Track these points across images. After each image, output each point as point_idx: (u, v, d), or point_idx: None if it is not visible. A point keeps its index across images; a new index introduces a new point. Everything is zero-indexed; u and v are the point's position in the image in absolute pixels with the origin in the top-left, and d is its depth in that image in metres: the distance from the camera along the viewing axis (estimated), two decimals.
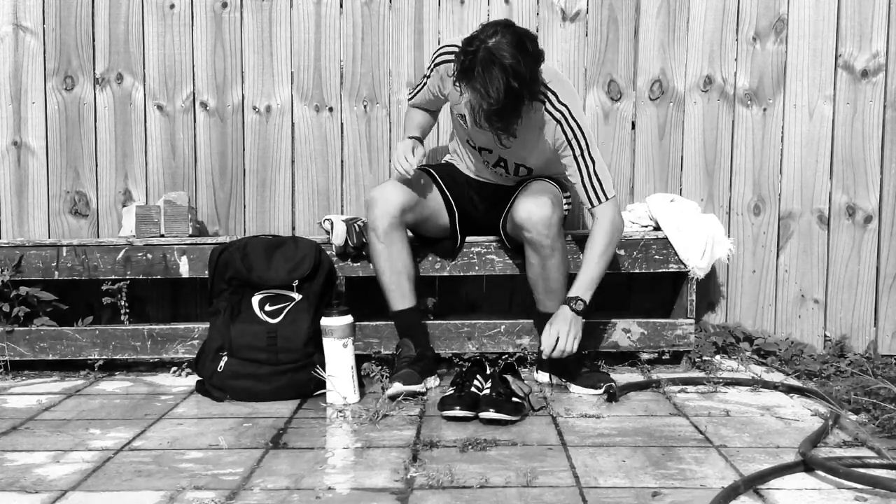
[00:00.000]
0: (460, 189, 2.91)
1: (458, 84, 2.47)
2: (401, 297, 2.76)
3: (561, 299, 2.71)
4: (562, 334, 2.60)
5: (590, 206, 2.67)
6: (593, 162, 2.64)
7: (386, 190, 2.72)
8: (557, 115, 2.61)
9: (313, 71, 3.33)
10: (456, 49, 2.50)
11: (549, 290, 2.74)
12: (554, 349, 2.60)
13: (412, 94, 2.90)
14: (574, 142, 2.62)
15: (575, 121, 2.61)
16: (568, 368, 2.73)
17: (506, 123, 2.44)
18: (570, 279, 2.73)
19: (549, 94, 2.60)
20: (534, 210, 2.63)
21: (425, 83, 2.80)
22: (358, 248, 2.91)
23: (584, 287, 2.64)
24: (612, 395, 2.60)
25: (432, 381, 2.78)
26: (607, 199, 2.66)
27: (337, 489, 1.88)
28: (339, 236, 2.91)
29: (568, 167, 2.67)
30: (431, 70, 2.76)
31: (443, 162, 3.05)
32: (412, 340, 2.78)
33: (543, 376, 2.81)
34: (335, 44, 3.32)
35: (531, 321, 2.98)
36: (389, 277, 2.74)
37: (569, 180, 2.71)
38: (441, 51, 2.72)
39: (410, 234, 2.85)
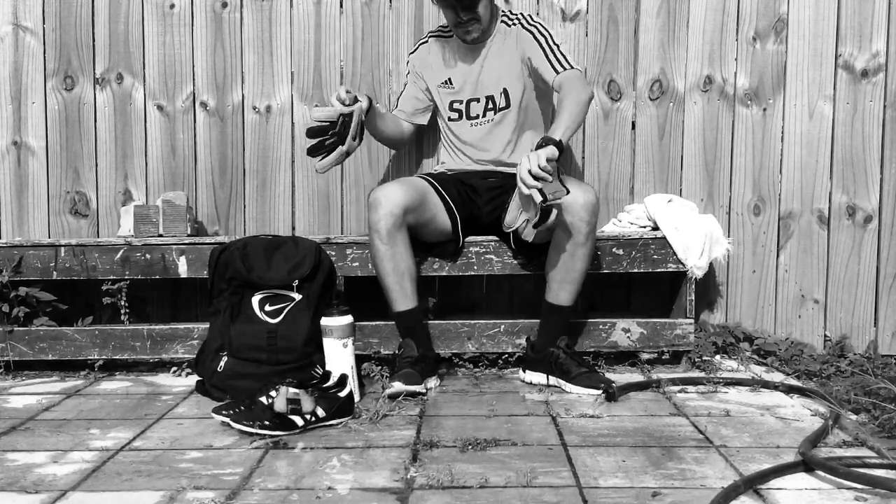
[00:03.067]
0: (459, 192, 2.92)
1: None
2: (403, 297, 2.76)
3: (575, 294, 2.75)
4: (536, 155, 2.50)
5: (556, 74, 2.75)
6: (557, 45, 2.81)
7: (389, 190, 2.71)
8: (515, 20, 2.90)
9: (313, 71, 3.33)
10: (426, 35, 3.07)
11: (567, 280, 2.74)
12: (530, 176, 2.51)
13: (396, 102, 3.14)
14: (535, 31, 2.84)
15: (534, 21, 2.88)
16: (564, 369, 2.73)
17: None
18: (588, 277, 2.75)
19: (512, 13, 2.94)
20: (579, 194, 2.64)
21: (407, 83, 3.12)
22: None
23: (562, 129, 2.58)
24: (612, 395, 2.60)
25: (433, 382, 2.78)
26: (572, 67, 2.77)
27: (337, 489, 1.88)
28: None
29: (533, 55, 2.82)
30: (408, 65, 3.12)
31: (435, 172, 3.06)
32: (414, 341, 2.78)
33: (540, 377, 2.80)
34: (335, 44, 3.33)
35: (531, 321, 2.97)
36: (392, 278, 2.74)
37: (534, 69, 2.84)
38: (416, 43, 3.12)
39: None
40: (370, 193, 2.76)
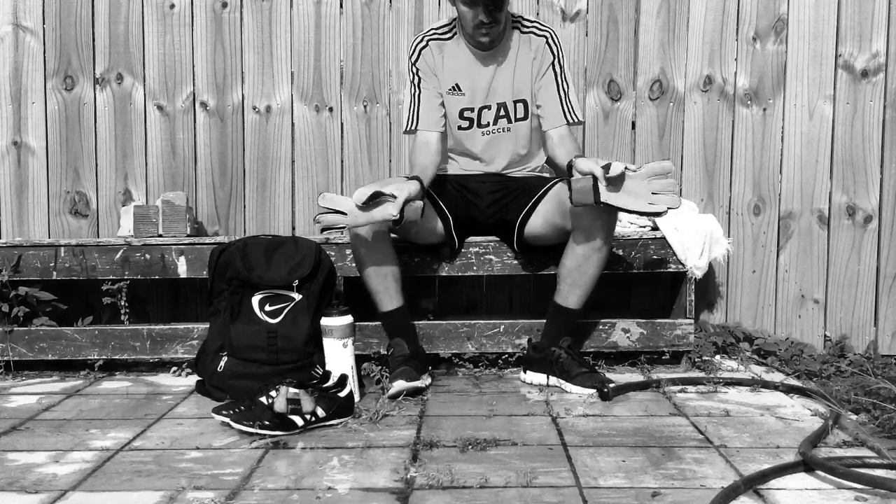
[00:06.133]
0: (457, 193, 2.90)
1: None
2: (388, 298, 2.76)
3: (584, 298, 2.75)
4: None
5: (564, 123, 2.84)
6: (568, 85, 2.87)
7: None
8: (545, 34, 2.86)
9: (313, 71, 3.33)
10: (421, 38, 2.86)
11: (578, 285, 2.73)
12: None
13: (413, 121, 2.84)
14: (556, 62, 2.85)
15: (558, 42, 2.87)
16: (565, 368, 2.73)
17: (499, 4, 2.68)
18: (599, 280, 2.75)
19: (535, 22, 2.89)
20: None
21: (420, 92, 2.84)
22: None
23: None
24: (605, 395, 2.60)
25: (427, 379, 2.77)
26: (578, 120, 2.87)
27: (337, 489, 1.88)
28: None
29: (545, 86, 2.85)
30: (416, 72, 2.85)
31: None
32: (404, 339, 2.77)
33: (540, 377, 2.80)
34: (335, 44, 3.33)
35: (531, 321, 2.98)
36: (375, 281, 2.74)
37: (540, 101, 2.85)
38: (413, 48, 2.87)
39: (395, 236, 2.81)
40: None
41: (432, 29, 2.89)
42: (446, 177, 2.94)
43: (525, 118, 2.88)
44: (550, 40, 2.85)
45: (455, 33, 2.85)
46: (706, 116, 3.31)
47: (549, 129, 2.86)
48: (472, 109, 2.86)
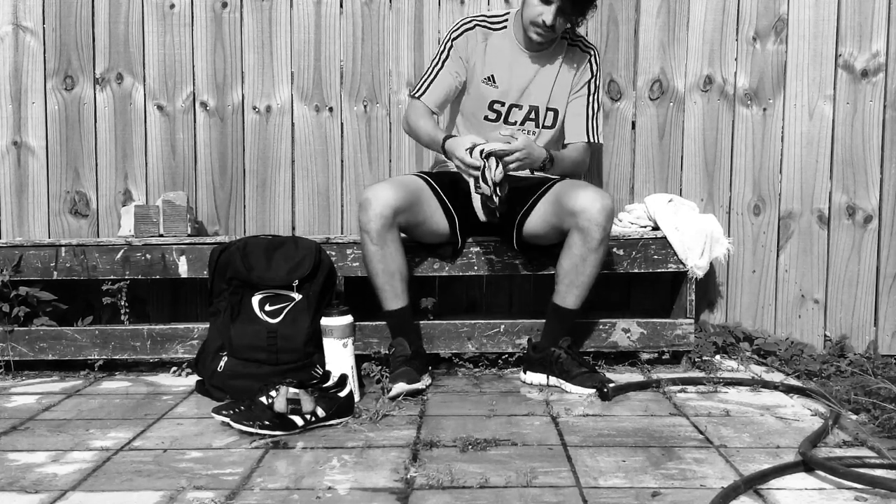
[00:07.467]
0: (461, 193, 2.90)
1: None
2: (393, 297, 2.76)
3: (582, 298, 2.75)
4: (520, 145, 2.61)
5: (584, 140, 2.93)
6: (599, 106, 2.96)
7: (379, 191, 2.68)
8: (590, 50, 2.94)
9: (313, 71, 3.33)
10: (470, 20, 2.87)
11: (576, 285, 2.73)
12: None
13: (422, 89, 2.87)
14: (593, 80, 2.94)
15: (599, 62, 2.96)
16: (565, 369, 2.73)
17: (581, 8, 2.74)
18: (597, 280, 2.75)
19: (581, 36, 2.96)
20: (596, 199, 2.63)
21: (441, 68, 2.86)
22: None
23: (560, 156, 2.83)
24: (605, 395, 2.60)
25: (427, 380, 2.77)
26: (598, 142, 2.98)
27: (337, 489, 1.88)
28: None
29: (577, 101, 2.92)
30: (447, 50, 2.86)
31: (434, 170, 3.05)
32: (406, 339, 2.77)
33: (540, 377, 2.80)
34: (335, 44, 3.33)
35: (531, 321, 2.98)
36: (382, 278, 2.73)
37: (568, 113, 2.93)
38: (459, 25, 2.88)
39: (404, 235, 2.82)
40: (361, 193, 2.74)
41: (484, 15, 2.91)
42: (458, 176, 2.90)
43: (552, 127, 2.90)
44: (594, 59, 2.93)
45: (505, 27, 2.87)
46: (706, 116, 3.31)
47: (568, 141, 2.92)
48: (502, 104, 2.87)
